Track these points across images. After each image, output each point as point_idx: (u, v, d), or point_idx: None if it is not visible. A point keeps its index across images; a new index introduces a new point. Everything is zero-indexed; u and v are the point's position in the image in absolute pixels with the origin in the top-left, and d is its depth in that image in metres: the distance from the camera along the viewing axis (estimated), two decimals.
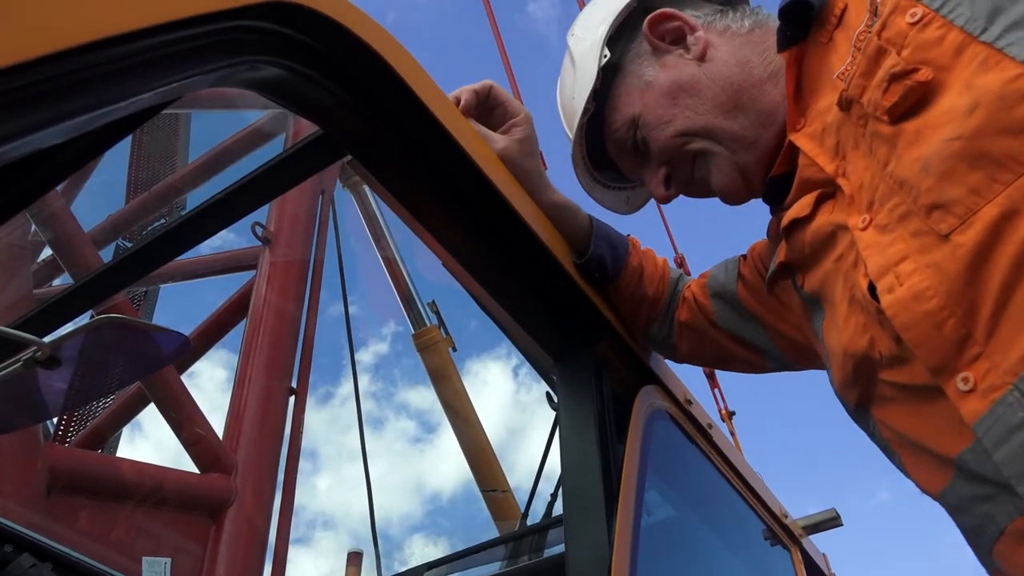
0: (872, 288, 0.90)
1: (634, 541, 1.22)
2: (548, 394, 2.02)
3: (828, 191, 1.02)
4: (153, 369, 1.36)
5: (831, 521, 2.22)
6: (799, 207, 1.07)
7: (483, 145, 1.22)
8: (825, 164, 1.01)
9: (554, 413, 2.14)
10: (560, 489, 2.40)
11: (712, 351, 1.42)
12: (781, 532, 1.93)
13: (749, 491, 1.79)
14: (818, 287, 1.07)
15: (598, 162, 1.39)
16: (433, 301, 7.30)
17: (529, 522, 2.44)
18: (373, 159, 1.15)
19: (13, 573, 1.76)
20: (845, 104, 0.97)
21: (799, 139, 1.06)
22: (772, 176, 1.14)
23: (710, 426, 1.65)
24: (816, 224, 1.04)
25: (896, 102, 0.88)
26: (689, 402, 1.59)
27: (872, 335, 0.93)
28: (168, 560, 3.40)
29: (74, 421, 5.80)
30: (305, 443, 4.90)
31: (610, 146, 1.33)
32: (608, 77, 1.28)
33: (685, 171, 1.25)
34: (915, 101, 0.87)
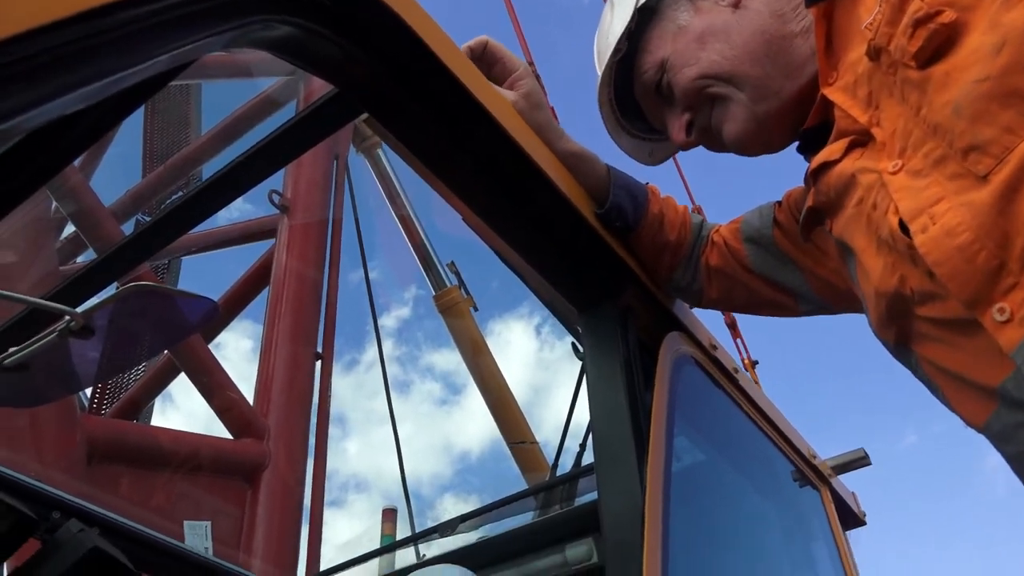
0: (903, 227, 0.90)
1: (666, 486, 1.24)
2: (574, 345, 2.03)
3: (861, 139, 1.03)
4: (183, 335, 1.38)
5: (859, 461, 2.23)
6: (829, 151, 1.08)
7: (499, 97, 1.21)
8: (859, 115, 1.02)
9: (580, 364, 2.16)
10: (588, 439, 2.44)
11: (743, 296, 1.42)
12: (810, 472, 1.94)
13: (777, 433, 1.80)
14: (843, 231, 1.07)
15: (625, 109, 1.38)
16: (452, 262, 7.31)
17: (558, 473, 2.47)
18: (389, 115, 1.14)
19: (62, 538, 1.81)
20: (874, 53, 0.97)
21: (832, 93, 1.07)
22: (806, 129, 1.15)
23: (736, 370, 1.65)
24: (840, 168, 1.05)
25: (922, 46, 0.88)
26: (714, 347, 1.60)
27: (902, 273, 0.93)
28: (208, 523, 3.49)
29: (107, 393, 5.92)
30: (333, 409, 4.97)
31: (638, 88, 1.34)
32: (644, 19, 1.28)
33: (704, 117, 1.25)
34: (940, 44, 0.87)
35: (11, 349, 1.29)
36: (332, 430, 4.95)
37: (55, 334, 1.24)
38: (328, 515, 4.77)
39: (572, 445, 2.54)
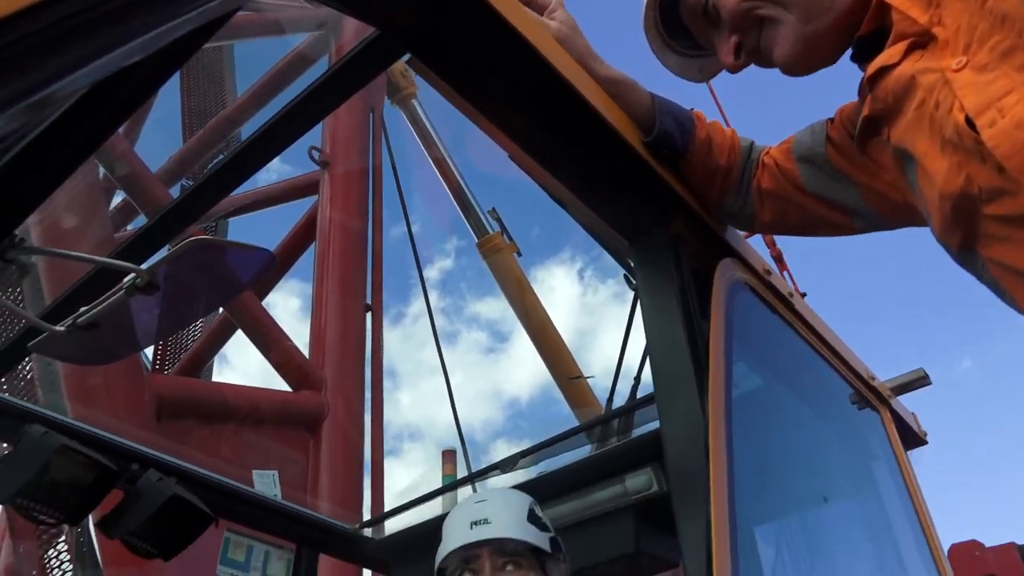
0: (969, 122, 0.87)
1: (727, 413, 1.24)
2: (626, 276, 2.02)
3: (921, 40, 0.99)
4: (242, 286, 1.41)
5: (919, 381, 2.20)
6: (887, 55, 1.04)
7: (539, 26, 1.19)
8: (919, 15, 0.99)
9: (630, 300, 2.16)
10: (642, 372, 2.45)
11: (797, 217, 1.40)
12: (869, 394, 1.92)
13: (834, 356, 1.78)
14: (903, 137, 1.04)
15: (671, 28, 1.36)
16: (494, 208, 7.32)
17: (613, 407, 2.50)
18: (431, 54, 1.13)
19: (143, 487, 1.91)
20: None
21: None
22: (860, 36, 1.12)
23: (791, 295, 1.63)
24: (898, 71, 1.02)
25: None
26: (768, 272, 1.58)
27: (968, 172, 0.91)
28: (275, 472, 3.63)
29: (168, 354, 6.12)
30: (384, 362, 5.07)
31: (684, 10, 1.31)
32: None
33: (752, 39, 1.22)
34: None
35: (82, 308, 1.34)
36: (384, 383, 5.07)
37: (122, 291, 1.28)
38: (386, 464, 4.91)
39: (626, 378, 2.56)
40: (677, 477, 1.26)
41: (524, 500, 1.64)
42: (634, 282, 2.00)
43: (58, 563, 4.71)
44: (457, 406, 5.17)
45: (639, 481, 1.96)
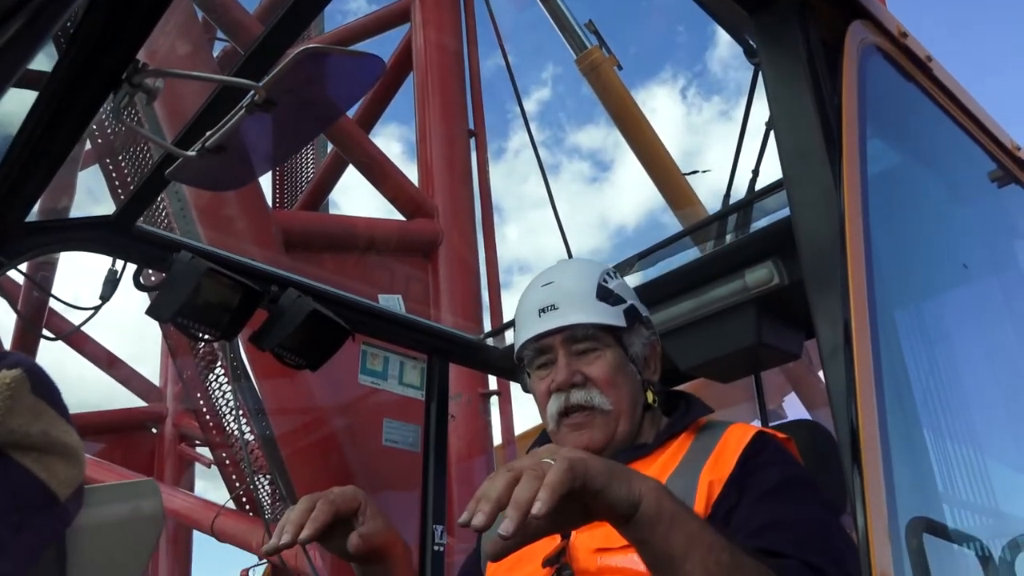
0: None
1: (864, 193, 1.17)
2: (745, 52, 1.89)
3: None
4: (355, 95, 1.42)
5: None
6: None
7: None
8: None
9: (737, 121, 2.04)
10: (760, 163, 2.36)
11: None
12: (1016, 168, 1.79)
13: (977, 127, 1.65)
14: None
15: None
16: (591, 21, 6.96)
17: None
18: None
19: (284, 304, 2.06)
20: None
21: None
22: None
23: (929, 59, 1.49)
24: None
25: None
26: (904, 35, 1.44)
27: None
28: (399, 296, 3.83)
29: (287, 194, 6.39)
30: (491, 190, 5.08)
31: None
32: None
33: None
34: None
35: (207, 132, 1.39)
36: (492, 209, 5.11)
37: (243, 110, 1.32)
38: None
39: (742, 176, 2.47)
40: (812, 265, 1.20)
41: (593, 274, 1.52)
42: (755, 58, 1.88)
43: (218, 386, 5.27)
44: (567, 233, 5.20)
45: (759, 275, 1.95)
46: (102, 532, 0.64)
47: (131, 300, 2.10)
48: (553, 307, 1.47)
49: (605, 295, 1.49)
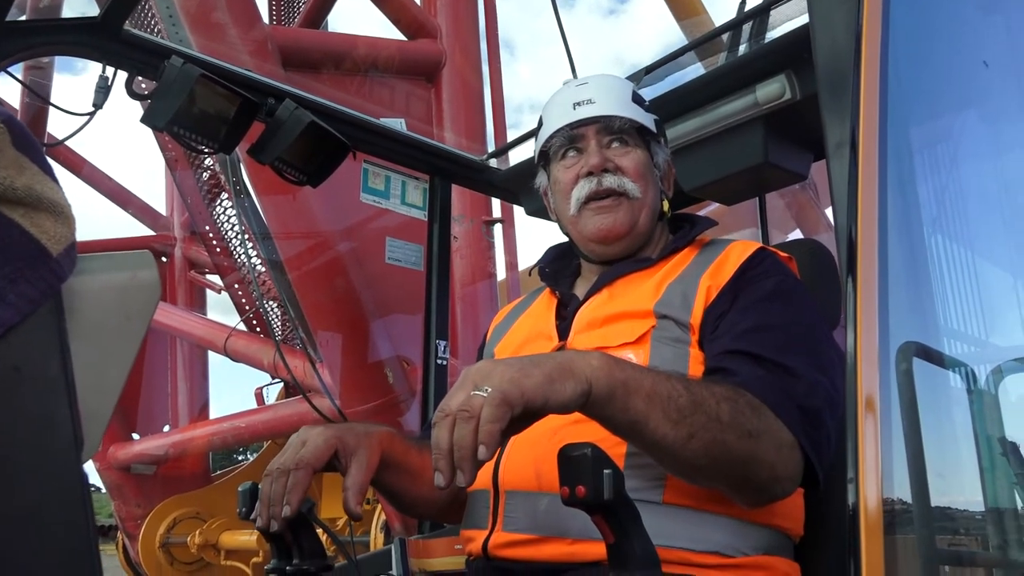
0: None
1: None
2: None
3: None
4: None
5: None
6: None
7: None
8: None
9: None
10: None
11: None
12: None
13: None
14: None
15: None
16: None
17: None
18: None
19: (281, 115, 2.01)
20: None
21: None
22: None
23: None
24: None
25: None
26: None
27: None
28: (402, 120, 3.74)
29: (283, 14, 6.09)
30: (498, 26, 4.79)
31: None
32: None
33: None
34: None
35: None
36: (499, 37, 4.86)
37: None
38: (508, 136, 4.90)
39: None
40: (825, 66, 1.14)
41: (626, 82, 1.61)
42: None
43: (222, 211, 5.29)
44: (578, 73, 4.96)
45: (771, 89, 1.87)
46: (100, 296, 0.66)
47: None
48: (590, 101, 1.52)
49: (639, 100, 1.56)
